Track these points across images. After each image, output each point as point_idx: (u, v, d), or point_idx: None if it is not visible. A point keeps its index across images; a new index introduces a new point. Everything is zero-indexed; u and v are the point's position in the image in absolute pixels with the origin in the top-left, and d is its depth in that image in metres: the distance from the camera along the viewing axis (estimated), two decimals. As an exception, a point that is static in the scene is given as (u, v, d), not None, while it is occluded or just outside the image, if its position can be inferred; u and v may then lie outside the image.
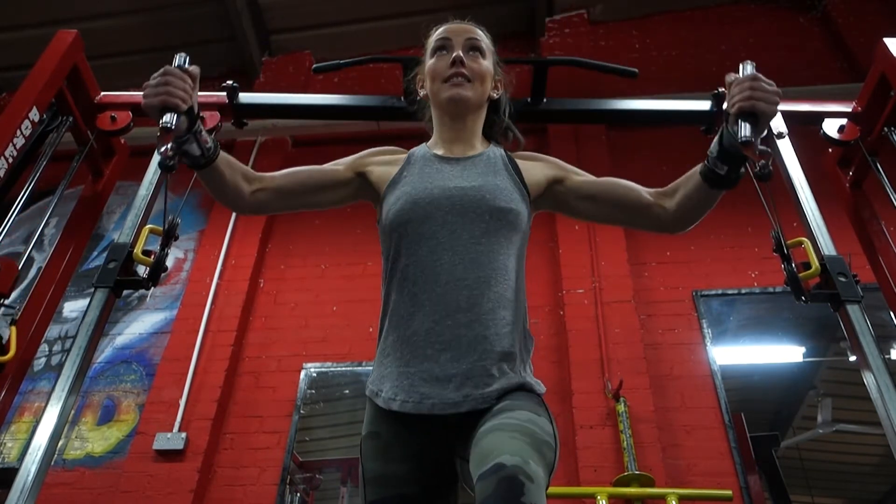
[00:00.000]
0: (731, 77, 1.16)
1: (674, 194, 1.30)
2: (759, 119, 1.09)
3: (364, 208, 1.50)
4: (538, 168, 1.39)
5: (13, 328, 1.86)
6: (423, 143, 1.45)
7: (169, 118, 1.11)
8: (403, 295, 1.22)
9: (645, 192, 1.34)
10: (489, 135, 1.47)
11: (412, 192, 1.28)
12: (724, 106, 1.16)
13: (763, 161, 1.10)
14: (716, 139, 1.18)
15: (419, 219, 1.24)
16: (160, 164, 1.21)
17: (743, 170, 1.17)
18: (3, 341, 1.82)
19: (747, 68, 1.16)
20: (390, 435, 1.17)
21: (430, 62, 1.39)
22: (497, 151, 1.40)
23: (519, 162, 1.39)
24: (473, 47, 1.37)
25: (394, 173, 1.36)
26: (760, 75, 1.13)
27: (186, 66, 1.18)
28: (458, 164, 1.34)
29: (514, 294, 1.23)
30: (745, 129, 1.08)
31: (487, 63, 1.39)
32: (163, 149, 1.14)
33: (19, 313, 1.93)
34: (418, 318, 1.18)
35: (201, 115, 2.33)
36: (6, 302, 1.86)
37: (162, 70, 1.15)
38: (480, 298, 1.17)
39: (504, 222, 1.24)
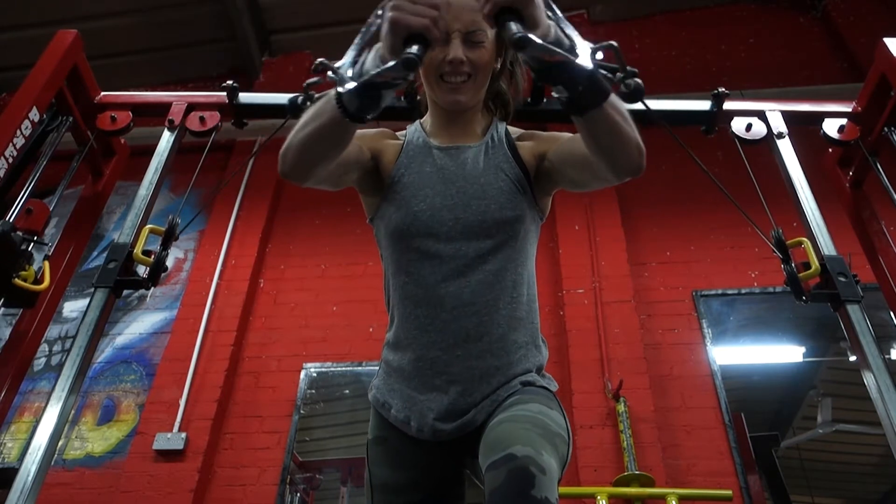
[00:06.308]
0: None
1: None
2: (514, 9, 0.86)
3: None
4: (528, 149, 1.25)
5: (46, 262, 2.05)
6: (418, 123, 1.31)
7: (418, 49, 0.88)
8: (407, 315, 1.17)
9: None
10: (489, 101, 1.30)
11: (412, 203, 1.18)
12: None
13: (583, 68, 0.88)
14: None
15: (421, 234, 1.16)
16: (357, 112, 0.94)
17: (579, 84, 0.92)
18: (39, 274, 2.02)
19: None
20: (398, 442, 1.16)
21: None
22: (500, 133, 1.27)
23: (518, 144, 1.26)
24: (474, 40, 1.14)
25: (392, 168, 1.23)
26: None
27: None
28: (459, 157, 1.22)
29: (527, 307, 1.19)
30: (511, 28, 0.85)
31: (489, 47, 1.16)
32: (381, 80, 0.91)
33: (51, 250, 2.14)
34: (423, 343, 1.14)
35: (202, 115, 2.34)
36: (40, 239, 2.06)
37: None
38: (490, 325, 1.12)
39: (511, 234, 1.17)
